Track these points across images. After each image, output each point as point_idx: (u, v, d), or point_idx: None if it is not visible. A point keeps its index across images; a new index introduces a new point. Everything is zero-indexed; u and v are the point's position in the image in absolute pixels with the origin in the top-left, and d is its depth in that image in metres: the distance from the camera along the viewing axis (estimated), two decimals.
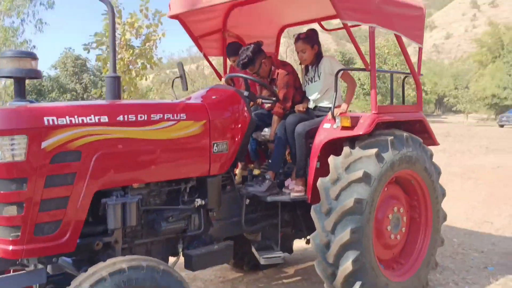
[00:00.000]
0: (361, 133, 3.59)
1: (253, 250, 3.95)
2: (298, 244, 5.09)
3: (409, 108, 4.29)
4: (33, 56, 3.06)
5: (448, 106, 63.66)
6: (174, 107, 3.28)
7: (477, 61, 62.71)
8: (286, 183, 4.04)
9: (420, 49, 4.36)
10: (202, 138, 3.35)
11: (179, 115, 3.23)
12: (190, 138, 3.29)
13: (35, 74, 3.05)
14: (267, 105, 4.47)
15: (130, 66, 12.02)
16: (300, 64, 4.39)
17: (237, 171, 4.20)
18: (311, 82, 4.30)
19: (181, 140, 3.24)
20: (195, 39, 4.78)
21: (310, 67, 4.32)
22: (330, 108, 4.17)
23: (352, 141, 3.73)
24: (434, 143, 4.27)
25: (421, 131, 4.15)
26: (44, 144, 2.64)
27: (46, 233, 2.70)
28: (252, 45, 4.18)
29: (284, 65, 4.34)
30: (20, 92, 2.98)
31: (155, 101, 3.56)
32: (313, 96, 4.29)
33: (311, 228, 4.19)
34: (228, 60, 5.01)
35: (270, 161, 4.14)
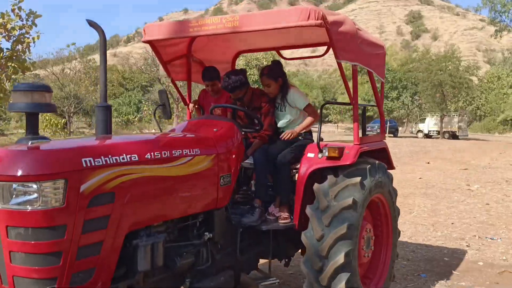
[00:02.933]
0: (348, 163, 3.89)
1: (245, 278, 4.03)
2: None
3: (377, 137, 4.73)
4: (47, 89, 2.83)
5: None
6: (190, 142, 3.28)
7: None
8: (270, 209, 4.19)
9: (382, 84, 4.84)
10: (212, 172, 3.38)
11: (194, 150, 3.23)
12: (203, 173, 3.31)
13: (50, 108, 2.82)
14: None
15: None
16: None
17: None
18: (278, 110, 4.53)
19: (196, 175, 3.24)
20: (164, 64, 4.73)
21: (278, 97, 4.55)
22: (300, 134, 4.44)
23: (334, 169, 4.02)
24: (392, 167, 4.76)
25: (382, 157, 4.61)
26: (82, 188, 2.49)
27: (81, 283, 2.54)
28: (242, 70, 4.30)
29: (263, 94, 4.51)
30: (33, 127, 2.74)
31: (170, 135, 3.47)
32: (280, 123, 4.54)
33: (290, 253, 4.45)
34: (193, 84, 5.02)
35: (254, 189, 4.25)
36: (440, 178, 15.10)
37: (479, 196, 11.95)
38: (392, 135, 45.87)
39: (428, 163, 20.28)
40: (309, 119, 4.44)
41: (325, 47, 5.27)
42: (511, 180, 15.01)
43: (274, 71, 4.49)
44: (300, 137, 4.44)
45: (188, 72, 5.03)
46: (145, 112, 47.98)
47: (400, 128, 56.75)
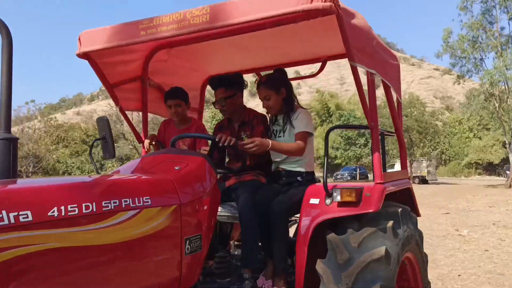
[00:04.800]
0: (371, 210, 2.71)
1: None
2: None
3: (400, 174, 3.58)
4: None
5: None
6: (136, 187, 2.03)
7: None
8: (260, 282, 2.93)
9: (400, 105, 3.76)
10: (172, 233, 2.14)
11: (141, 199, 1.99)
12: (157, 235, 2.05)
13: None
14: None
15: None
16: (267, 113, 3.47)
17: None
18: (275, 135, 3.38)
19: (144, 240, 1.98)
20: (110, 88, 3.54)
21: (279, 116, 3.40)
22: (300, 172, 3.26)
23: (348, 220, 2.83)
24: (418, 213, 3.60)
25: (404, 200, 3.45)
26: None
27: None
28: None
29: (258, 113, 3.56)
30: None
31: (98, 176, 2.20)
32: (276, 156, 3.35)
33: None
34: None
35: (241, 254, 3.00)
36: (425, 223, 14.11)
37: (473, 242, 10.94)
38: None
39: None
40: (293, 145, 3.22)
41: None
42: (498, 223, 14.21)
43: (276, 80, 3.37)
44: (298, 177, 3.26)
45: (143, 99, 3.84)
46: (109, 169, 46.33)
47: (369, 175, 56.46)
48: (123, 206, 1.87)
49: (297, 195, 3.02)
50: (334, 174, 46.14)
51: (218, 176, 3.45)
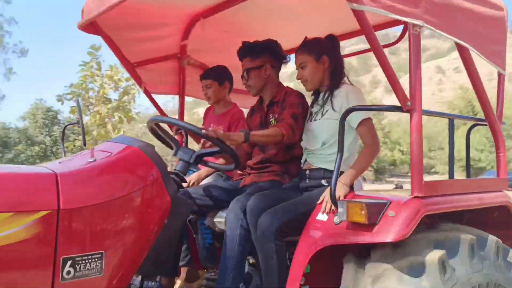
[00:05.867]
0: (388, 240, 1.74)
1: None
2: None
3: (484, 183, 2.39)
4: None
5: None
6: None
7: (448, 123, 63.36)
8: None
9: (502, 77, 2.56)
10: (33, 250, 1.56)
11: None
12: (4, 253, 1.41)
13: None
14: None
15: (106, 120, 11.43)
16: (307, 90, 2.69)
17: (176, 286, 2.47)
18: (311, 119, 2.54)
19: None
20: (131, 68, 3.12)
21: (320, 95, 2.56)
22: (328, 172, 2.37)
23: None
24: None
25: (501, 225, 2.35)
26: None
27: None
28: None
29: (299, 93, 2.74)
30: None
31: None
32: (308, 144, 2.51)
33: None
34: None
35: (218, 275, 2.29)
36: None
37: None
38: None
39: None
40: (366, 153, 2.29)
41: None
42: None
43: (318, 44, 2.52)
44: (323, 181, 2.36)
45: (180, 81, 3.36)
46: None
47: None
48: None
49: (304, 205, 2.15)
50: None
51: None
